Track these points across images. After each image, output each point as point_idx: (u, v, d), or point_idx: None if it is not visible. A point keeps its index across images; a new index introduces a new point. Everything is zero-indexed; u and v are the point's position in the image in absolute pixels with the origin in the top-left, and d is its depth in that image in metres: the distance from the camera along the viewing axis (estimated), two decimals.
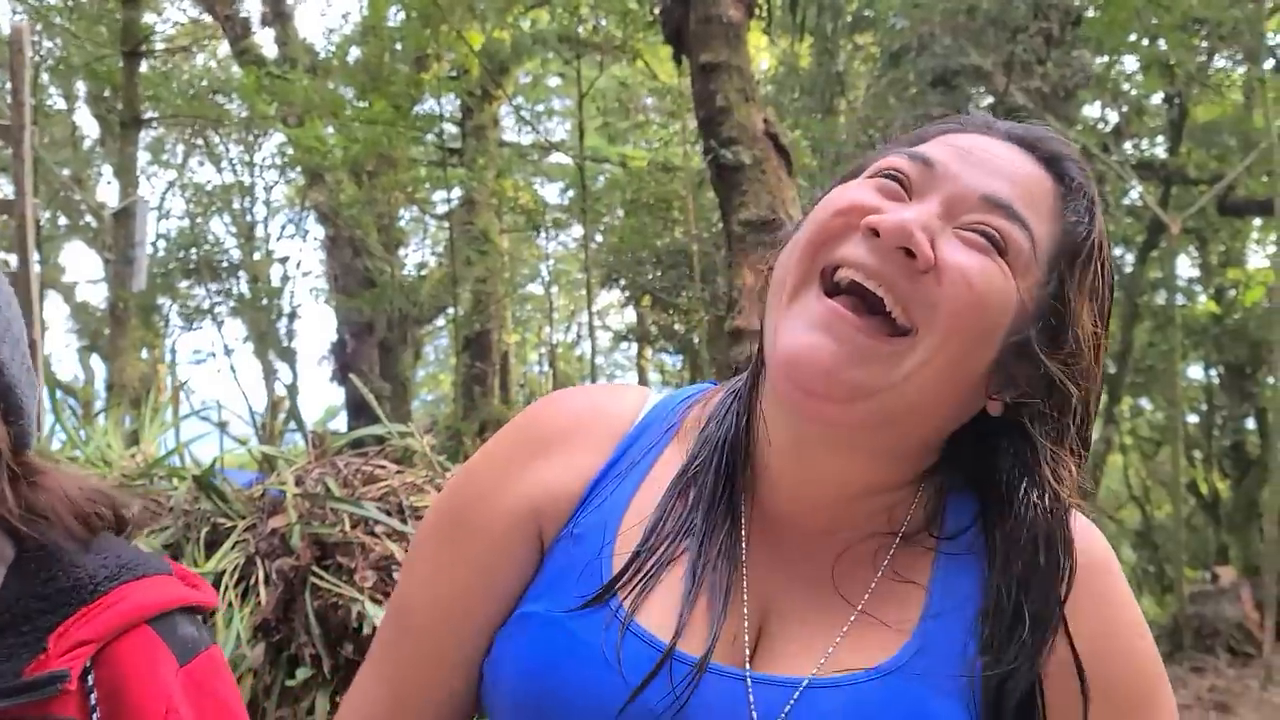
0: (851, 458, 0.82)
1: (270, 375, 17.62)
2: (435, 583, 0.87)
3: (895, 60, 11.69)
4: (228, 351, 16.80)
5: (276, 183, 17.26)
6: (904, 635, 0.79)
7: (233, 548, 2.91)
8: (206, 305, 16.55)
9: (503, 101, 13.79)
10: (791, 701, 0.76)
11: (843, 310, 0.77)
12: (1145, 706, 0.82)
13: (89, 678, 0.86)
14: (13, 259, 4.61)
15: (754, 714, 0.76)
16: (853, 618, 0.81)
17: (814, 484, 0.84)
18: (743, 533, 0.84)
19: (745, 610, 0.81)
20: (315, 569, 2.68)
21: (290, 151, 13.25)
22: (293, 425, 13.48)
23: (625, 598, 0.79)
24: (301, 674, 2.58)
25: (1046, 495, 0.80)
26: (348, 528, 2.74)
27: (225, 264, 16.49)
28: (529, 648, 0.80)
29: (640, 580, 0.80)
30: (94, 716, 0.86)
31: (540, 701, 0.78)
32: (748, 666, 0.79)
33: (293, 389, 17.73)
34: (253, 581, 2.83)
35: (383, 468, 3.10)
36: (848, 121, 13.02)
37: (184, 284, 16.19)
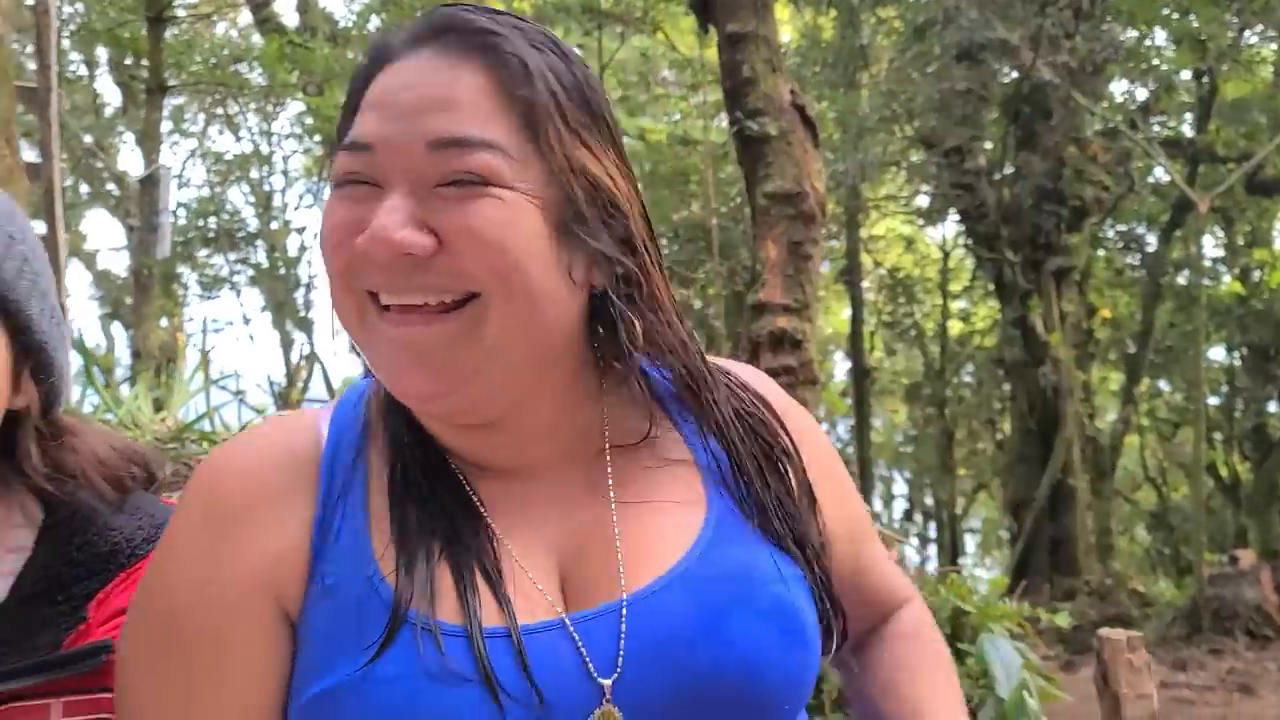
0: (517, 408, 0.81)
1: (288, 344, 17.70)
2: (179, 713, 0.76)
3: (920, 33, 11.56)
4: (246, 320, 16.86)
5: (295, 152, 17.29)
6: (700, 508, 0.82)
7: None
8: (225, 274, 16.62)
9: None
10: (622, 622, 0.75)
11: (401, 327, 0.75)
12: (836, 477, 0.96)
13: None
14: (41, 225, 4.60)
15: (583, 652, 0.74)
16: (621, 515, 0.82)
17: (509, 443, 0.82)
18: (479, 506, 0.81)
19: (524, 567, 0.78)
20: None
21: (309, 120, 13.23)
22: (310, 394, 13.51)
23: (421, 610, 0.74)
24: None
25: (682, 353, 0.84)
26: None
27: (243, 233, 16.53)
28: (371, 706, 0.72)
29: (420, 587, 0.75)
30: None
31: None
32: (561, 612, 0.76)
33: (311, 358, 17.78)
34: None
35: None
36: (870, 95, 12.91)
37: (203, 253, 16.27)
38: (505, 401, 0.79)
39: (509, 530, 0.80)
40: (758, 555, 0.80)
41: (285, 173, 17.45)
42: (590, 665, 0.74)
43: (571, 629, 0.75)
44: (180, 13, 12.39)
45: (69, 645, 0.79)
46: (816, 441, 0.95)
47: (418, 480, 0.80)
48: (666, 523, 0.81)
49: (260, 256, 16.63)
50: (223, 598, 0.75)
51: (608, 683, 0.73)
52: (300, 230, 17.02)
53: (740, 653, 0.75)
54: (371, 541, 0.76)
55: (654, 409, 0.86)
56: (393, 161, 0.74)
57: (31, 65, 6.03)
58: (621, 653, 0.74)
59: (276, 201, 17.39)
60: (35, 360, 0.84)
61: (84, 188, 16.67)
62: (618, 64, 12.41)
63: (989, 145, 13.46)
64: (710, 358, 0.90)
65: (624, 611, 0.75)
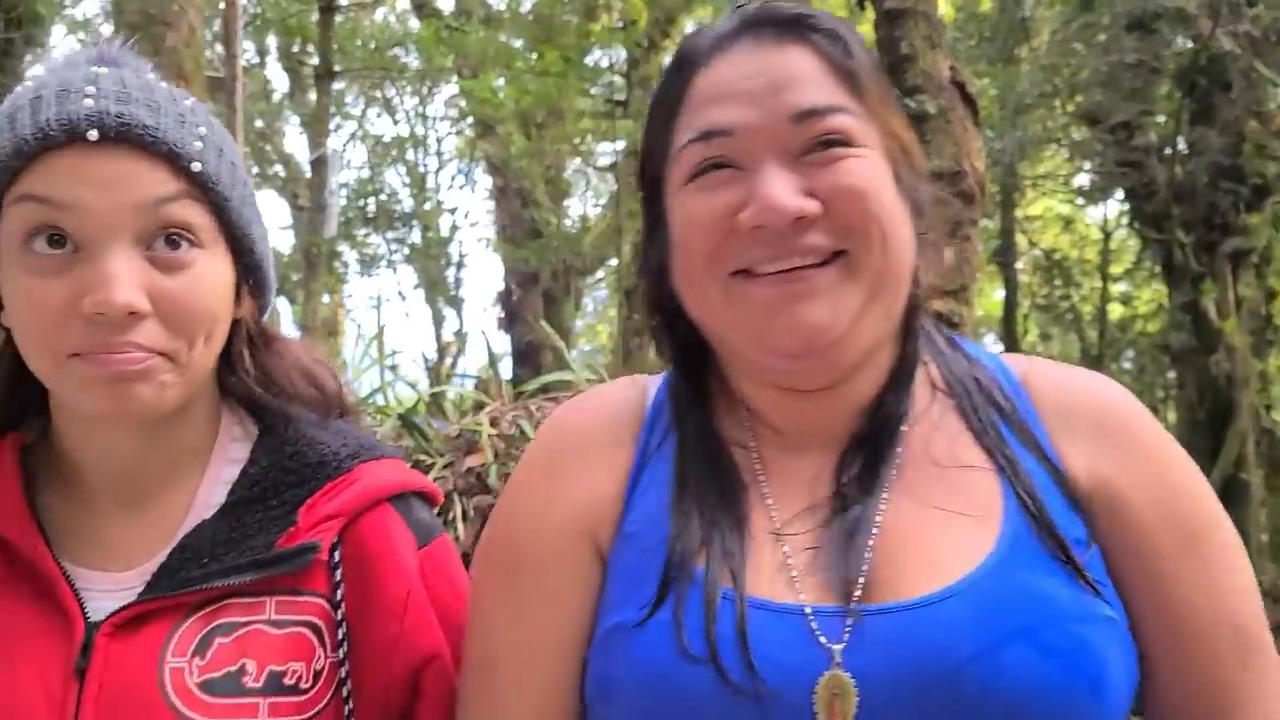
0: (859, 371, 0.86)
1: (439, 321, 18.29)
2: (512, 630, 0.85)
3: (1088, 3, 11.01)
4: (401, 297, 17.49)
5: (448, 134, 17.79)
6: (992, 520, 0.80)
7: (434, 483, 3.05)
8: (382, 252, 17.27)
9: (669, 51, 13.74)
10: (879, 621, 0.76)
11: (780, 285, 0.80)
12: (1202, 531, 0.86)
13: (335, 553, 0.88)
14: None
15: (833, 650, 0.75)
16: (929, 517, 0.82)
17: (826, 413, 0.87)
18: (760, 484, 0.85)
19: (786, 547, 0.81)
20: None
21: (463, 103, 13.58)
22: (459, 370, 13.93)
23: (685, 573, 0.79)
24: None
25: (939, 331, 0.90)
26: None
27: (399, 213, 17.13)
28: (633, 658, 0.78)
29: (688, 552, 0.80)
30: (339, 592, 0.87)
31: (666, 703, 0.76)
32: (815, 600, 0.78)
33: (460, 335, 18.32)
34: (451, 517, 2.96)
35: None
36: (1030, 70, 12.39)
37: (362, 231, 16.95)
38: (863, 351, 0.83)
39: (781, 505, 0.84)
40: (1057, 586, 0.77)
41: (439, 154, 17.99)
42: (840, 663, 0.74)
43: (811, 619, 0.77)
44: (343, 1, 12.90)
45: (280, 546, 0.85)
46: (1183, 486, 0.88)
47: (702, 451, 0.85)
48: (953, 528, 0.80)
49: (415, 236, 17.21)
50: (548, 530, 0.85)
51: (847, 677, 0.74)
52: (451, 210, 17.54)
53: (1009, 684, 0.73)
54: (669, 501, 0.83)
55: (950, 396, 0.88)
56: (757, 140, 0.80)
57: (201, 54, 6.39)
58: (876, 658, 0.74)
59: (430, 183, 17.96)
60: (255, 277, 0.91)
61: (254, 169, 17.57)
62: None
63: (1160, 120, 12.74)
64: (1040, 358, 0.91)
65: (887, 613, 0.76)
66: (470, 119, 14.27)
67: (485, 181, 15.72)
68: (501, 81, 11.69)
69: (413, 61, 14.45)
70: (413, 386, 3.79)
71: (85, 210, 0.75)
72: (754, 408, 0.88)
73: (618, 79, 13.98)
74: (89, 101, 0.75)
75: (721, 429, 0.88)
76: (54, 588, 0.81)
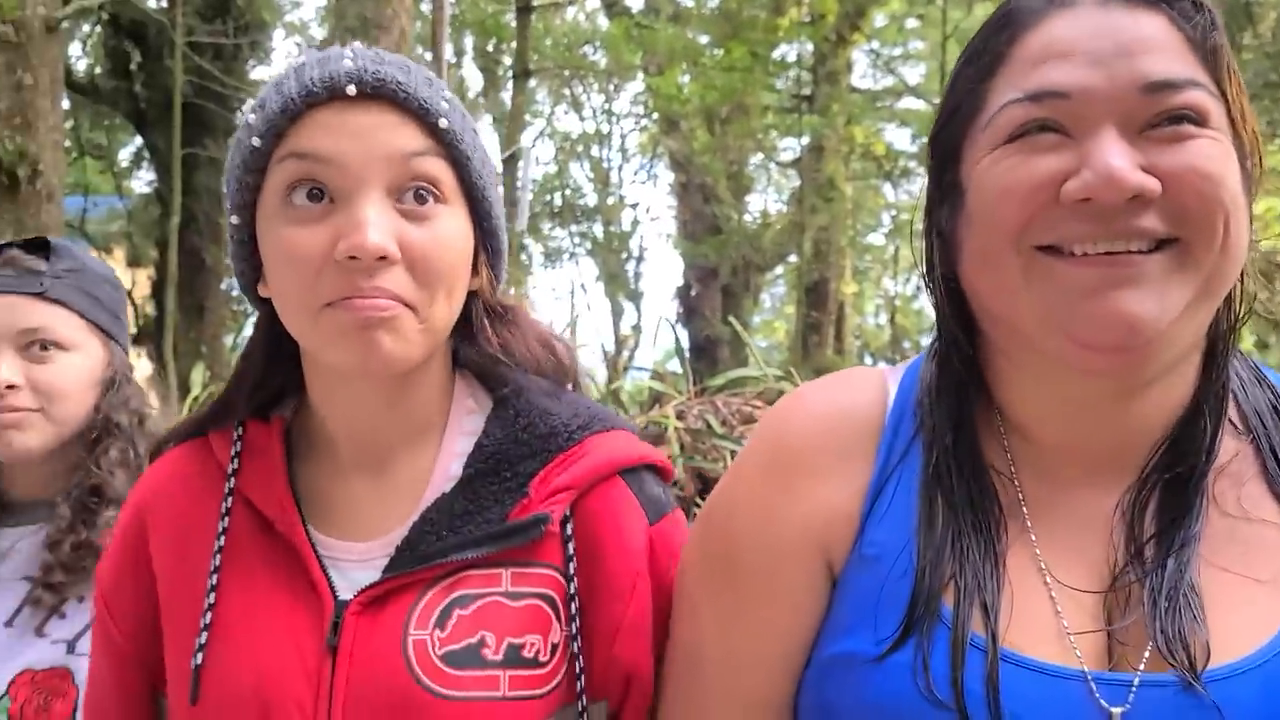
0: (1161, 384, 0.75)
1: (618, 314, 18.59)
2: (725, 632, 0.82)
3: None
4: (583, 290, 17.86)
5: (632, 130, 18.05)
6: None
7: None
8: (566, 246, 17.71)
9: (858, 45, 13.48)
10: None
11: (1098, 268, 0.71)
12: None
13: (568, 527, 0.86)
14: None
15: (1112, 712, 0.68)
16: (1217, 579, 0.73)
17: (1092, 434, 0.77)
18: (1023, 513, 0.77)
19: (1056, 595, 0.73)
20: (697, 500, 2.82)
21: (648, 100, 13.76)
22: (635, 362, 14.12)
23: (931, 613, 0.72)
24: None
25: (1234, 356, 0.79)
26: (729, 463, 2.85)
27: (583, 208, 17.52)
28: (867, 693, 0.74)
29: (936, 588, 0.73)
30: (570, 565, 0.86)
31: None
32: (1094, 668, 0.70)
33: (638, 328, 18.55)
34: None
35: (759, 409, 3.18)
36: (1254, 59, 11.50)
37: (547, 225, 17.44)
38: (1178, 356, 0.75)
39: (1048, 546, 0.76)
40: None
41: (623, 150, 18.29)
42: None
43: (1093, 686, 0.70)
44: (537, 2, 13.29)
45: (513, 518, 0.84)
46: None
47: (958, 472, 0.77)
48: (1242, 595, 0.72)
49: (598, 230, 17.57)
50: (776, 542, 0.79)
51: None
52: (633, 205, 17.80)
53: None
54: (915, 525, 0.76)
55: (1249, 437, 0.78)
56: (1097, 107, 0.72)
57: (410, 56, 6.71)
58: None
59: (614, 178, 18.28)
60: (491, 245, 0.91)
61: None
62: (961, 32, 11.88)
63: None
64: None
65: (1165, 686, 0.69)
66: (655, 115, 14.44)
67: (667, 177, 15.87)
68: (687, 78, 11.78)
69: (601, 59, 14.74)
70: (590, 378, 3.89)
71: (342, 162, 0.79)
72: (1021, 421, 0.79)
73: (804, 73, 13.84)
74: (348, 62, 0.82)
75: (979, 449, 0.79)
76: (308, 567, 0.84)
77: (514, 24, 12.11)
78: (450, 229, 0.84)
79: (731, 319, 4.18)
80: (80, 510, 1.29)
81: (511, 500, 0.86)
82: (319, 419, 0.91)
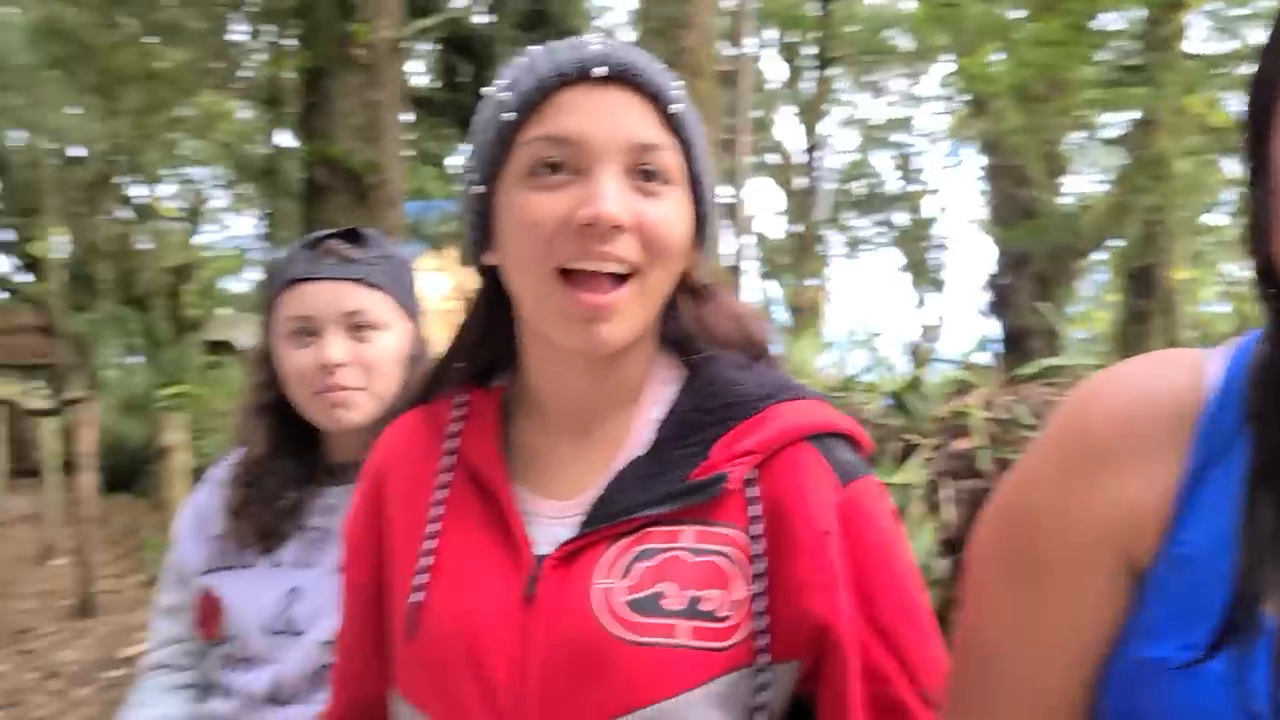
0: None
1: (920, 304, 18.02)
2: (1021, 628, 0.77)
3: None
4: (883, 280, 17.45)
5: (938, 114, 17.41)
6: None
7: (920, 464, 3.04)
8: (867, 235, 17.38)
9: (1194, 8, 12.22)
10: None
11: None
12: None
13: (752, 488, 0.89)
14: (728, 192, 5.24)
15: None
16: None
17: None
18: None
19: None
20: None
21: (955, 82, 13.20)
22: (940, 354, 13.62)
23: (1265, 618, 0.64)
24: None
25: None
26: None
27: (886, 196, 17.12)
28: (1175, 702, 0.68)
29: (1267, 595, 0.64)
30: (755, 527, 0.88)
31: None
32: None
33: (941, 319, 17.90)
34: (939, 498, 2.94)
35: None
36: None
37: (848, 215, 17.21)
38: None
39: None
40: None
41: (928, 135, 17.68)
42: None
43: None
44: None
45: (693, 478, 0.88)
46: None
47: None
48: None
49: (899, 219, 17.11)
50: (1077, 532, 0.75)
51: None
52: (938, 192, 17.16)
53: None
54: (1237, 526, 0.70)
55: None
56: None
57: (713, 51, 6.83)
58: None
59: (917, 164, 17.71)
60: (701, 228, 0.95)
61: (752, 159, 18.51)
62: None
63: None
64: None
65: None
66: (962, 97, 13.84)
67: (975, 161, 15.15)
68: (997, 56, 11.18)
69: (905, 43, 14.32)
70: (890, 369, 3.79)
71: (586, 140, 0.86)
72: None
73: (1131, 43, 12.73)
74: (596, 47, 0.89)
75: None
76: (511, 524, 0.92)
77: (816, 13, 12.04)
78: (676, 208, 0.89)
79: (1048, 305, 3.93)
80: None
81: (694, 463, 0.89)
82: (531, 385, 0.98)
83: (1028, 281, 13.65)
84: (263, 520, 1.45)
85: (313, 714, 1.35)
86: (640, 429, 0.94)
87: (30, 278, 17.50)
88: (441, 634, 0.90)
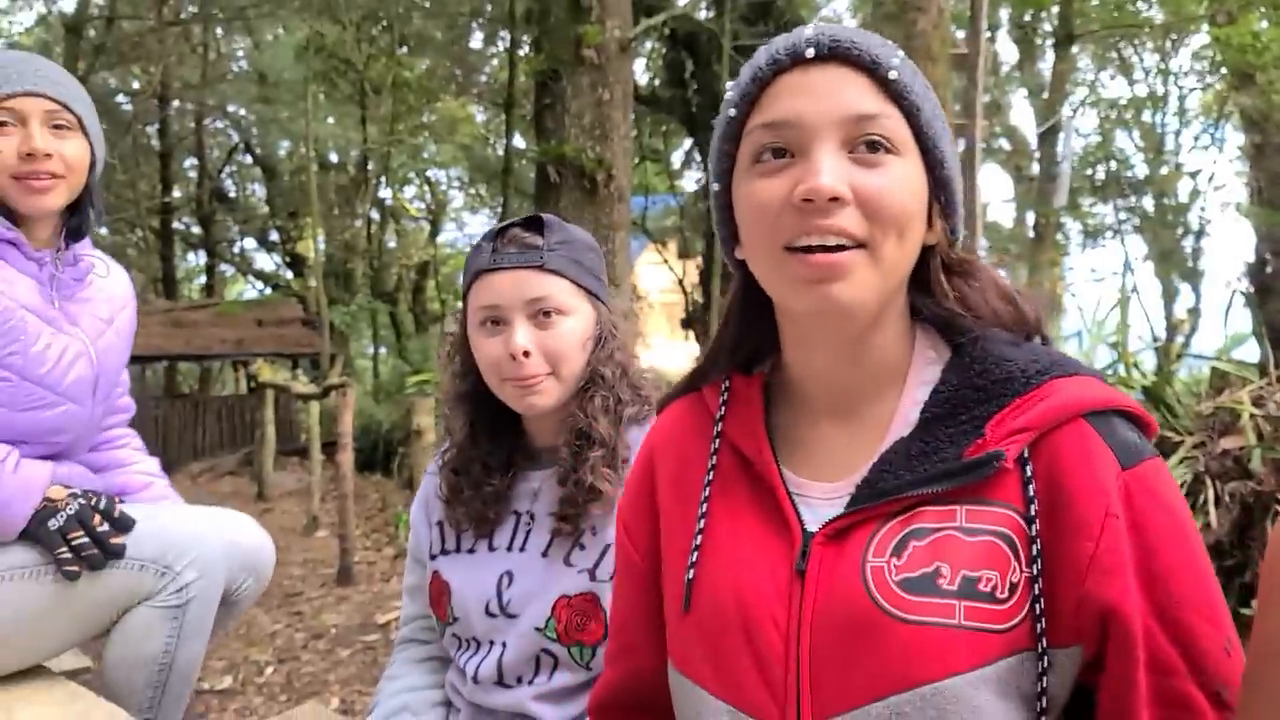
0: None
1: (1170, 296, 16.74)
2: None
3: None
4: (1128, 269, 16.37)
5: (1193, 90, 16.09)
6: None
7: (1179, 463, 2.86)
8: (1109, 222, 16.30)
9: None
10: None
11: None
12: None
13: (1027, 467, 0.85)
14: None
15: None
16: None
17: None
18: None
19: None
20: (1278, 496, 2.50)
21: (1215, 54, 12.16)
22: (1191, 350, 12.63)
23: None
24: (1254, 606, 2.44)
25: None
26: None
27: (1131, 180, 15.99)
28: None
29: None
30: (1032, 507, 0.84)
31: None
32: None
33: (1195, 311, 16.60)
34: (1202, 500, 2.75)
35: None
36: None
37: (1088, 201, 16.19)
38: None
39: None
40: None
41: (1181, 114, 16.37)
42: None
43: None
44: None
45: (967, 457, 0.86)
46: None
47: None
48: None
49: (1147, 203, 15.93)
50: None
51: None
52: (1193, 174, 15.88)
53: None
54: None
55: None
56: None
57: (948, 35, 6.60)
58: None
59: (1169, 145, 16.44)
60: (944, 196, 0.92)
61: (982, 144, 17.72)
62: None
63: None
64: None
65: None
66: (1223, 70, 12.72)
67: (1236, 140, 13.89)
68: (1265, 24, 10.22)
69: (1156, 15, 13.31)
70: (1137, 365, 3.55)
71: (802, 120, 0.87)
72: None
73: None
74: (808, 31, 0.90)
75: None
76: (780, 502, 0.93)
77: None
78: (901, 175, 0.87)
79: None
80: (574, 453, 1.44)
81: (967, 441, 0.87)
82: (793, 372, 0.99)
83: None
84: (472, 506, 1.50)
85: (534, 695, 1.43)
86: (905, 410, 0.93)
87: (293, 274, 19.17)
88: (716, 608, 0.93)
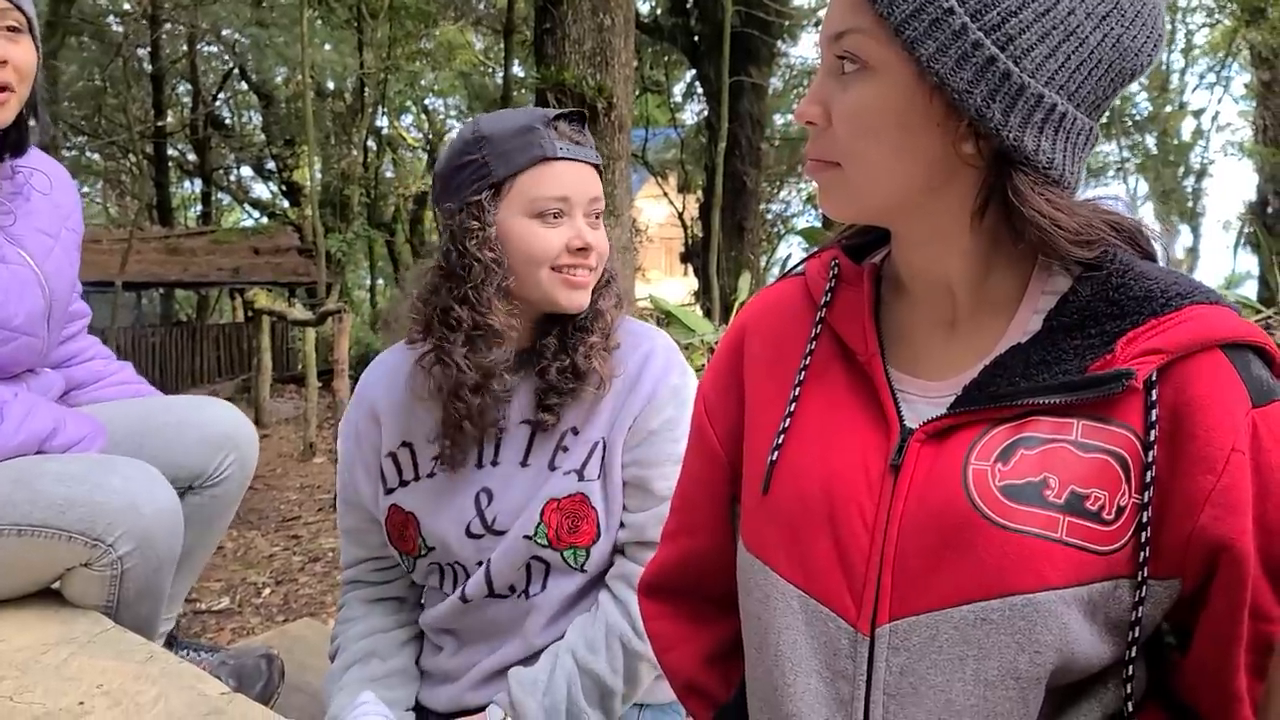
0: None
1: (1171, 236, 16.69)
2: None
3: None
4: (1131, 210, 16.28)
5: (1201, 26, 15.83)
6: None
7: None
8: (1113, 160, 16.16)
9: None
10: None
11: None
12: None
13: (1153, 391, 0.81)
14: None
15: None
16: None
17: None
18: None
19: None
20: None
21: None
22: None
23: None
24: None
25: None
26: None
27: (1135, 118, 15.83)
28: None
29: None
30: (1153, 433, 0.80)
31: None
32: None
33: (1193, 252, 16.56)
34: None
35: None
36: None
37: None
38: None
39: None
40: None
41: (1187, 50, 16.14)
42: None
43: None
44: None
45: (1093, 371, 0.82)
46: None
47: None
48: None
49: (1150, 142, 15.79)
50: None
51: None
52: (1197, 114, 15.71)
53: None
54: None
55: None
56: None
57: None
58: None
59: (1174, 83, 16.24)
60: (957, 100, 0.84)
61: None
62: None
63: None
64: None
65: None
66: (1233, 6, 12.52)
67: (1242, 79, 13.71)
68: None
69: None
70: None
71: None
72: None
73: None
74: None
75: None
76: (880, 396, 0.90)
77: None
78: (859, 94, 0.84)
79: None
80: (564, 340, 1.39)
81: (1094, 355, 0.82)
82: (901, 270, 0.95)
83: None
84: (479, 413, 1.38)
85: (527, 605, 1.40)
86: (1024, 319, 0.89)
87: (289, 203, 19.04)
88: (800, 492, 0.90)
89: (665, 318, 5.93)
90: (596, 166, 1.41)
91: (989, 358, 0.88)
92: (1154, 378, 0.81)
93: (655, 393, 1.40)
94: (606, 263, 1.45)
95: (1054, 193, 0.83)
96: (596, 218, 1.41)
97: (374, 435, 1.50)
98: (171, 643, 1.94)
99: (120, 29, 15.27)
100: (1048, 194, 0.83)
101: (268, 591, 4.92)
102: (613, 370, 1.40)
